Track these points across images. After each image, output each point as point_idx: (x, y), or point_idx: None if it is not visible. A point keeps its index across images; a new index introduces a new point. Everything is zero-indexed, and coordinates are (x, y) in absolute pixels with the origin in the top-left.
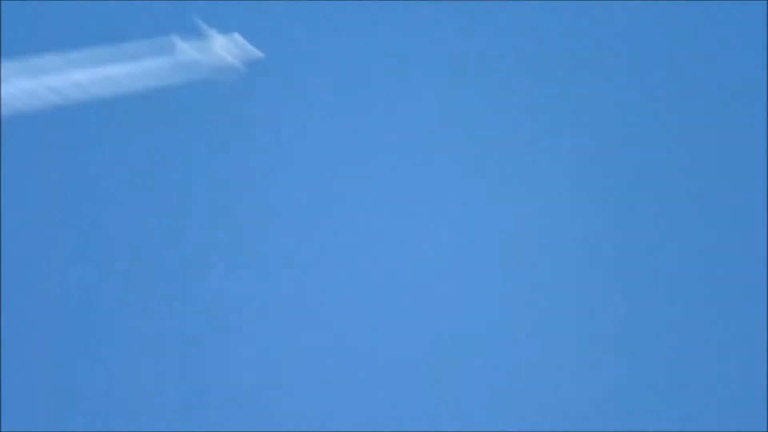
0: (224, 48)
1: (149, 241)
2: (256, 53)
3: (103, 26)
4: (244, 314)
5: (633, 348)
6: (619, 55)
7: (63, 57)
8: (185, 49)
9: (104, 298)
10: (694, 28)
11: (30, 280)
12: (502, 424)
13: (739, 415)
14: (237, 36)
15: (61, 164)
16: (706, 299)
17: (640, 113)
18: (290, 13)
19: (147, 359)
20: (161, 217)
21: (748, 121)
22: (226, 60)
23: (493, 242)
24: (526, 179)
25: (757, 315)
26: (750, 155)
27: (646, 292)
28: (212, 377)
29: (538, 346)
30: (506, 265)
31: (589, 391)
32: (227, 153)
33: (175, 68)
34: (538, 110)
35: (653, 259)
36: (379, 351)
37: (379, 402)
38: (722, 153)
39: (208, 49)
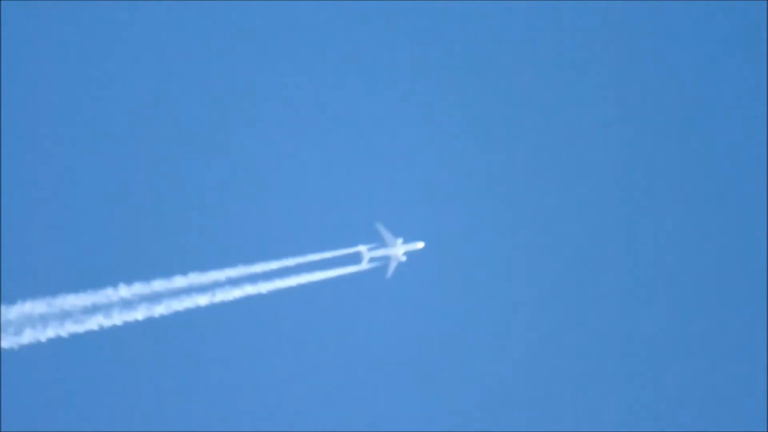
0: (401, 250)
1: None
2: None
3: (289, 237)
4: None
5: (633, 348)
6: (620, 57)
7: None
8: (371, 257)
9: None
10: (694, 29)
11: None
12: (500, 425)
13: (739, 415)
14: (418, 243)
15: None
16: (706, 300)
17: (640, 115)
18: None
19: (147, 360)
20: None
21: (748, 122)
22: (399, 259)
23: (493, 245)
24: (527, 181)
25: (757, 315)
26: (750, 157)
27: (646, 293)
28: (212, 379)
29: (538, 346)
30: (507, 269)
31: (588, 392)
32: None
33: (361, 274)
34: (535, 113)
35: (653, 261)
36: (376, 352)
37: (376, 402)
38: (722, 155)
39: (391, 254)
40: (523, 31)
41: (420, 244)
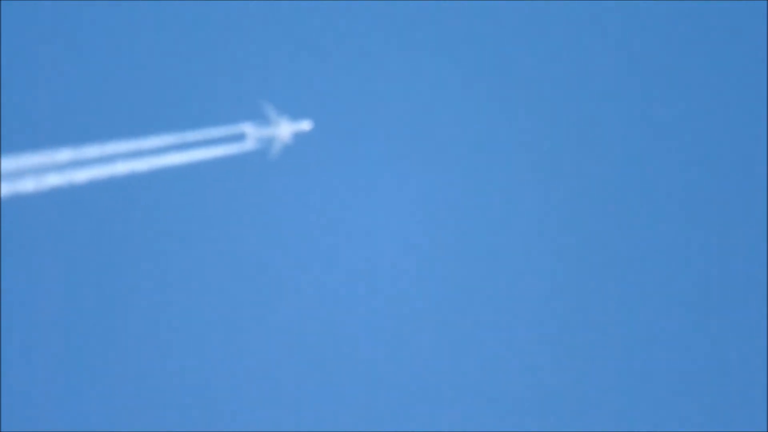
0: (287, 131)
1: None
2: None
3: (172, 114)
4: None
5: (633, 348)
6: (619, 56)
7: (130, 144)
8: (255, 136)
9: (104, 298)
10: (694, 29)
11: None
12: (495, 425)
13: (739, 415)
14: (305, 122)
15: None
16: (706, 300)
17: (640, 114)
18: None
19: (147, 360)
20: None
21: (748, 122)
22: (285, 141)
23: (489, 243)
24: (526, 180)
25: (757, 315)
26: (750, 156)
27: (646, 293)
28: (210, 378)
29: (538, 345)
30: (505, 268)
31: (589, 392)
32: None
33: (244, 154)
34: (535, 112)
35: (652, 261)
36: (367, 351)
37: (369, 401)
38: (722, 154)
39: (275, 134)
40: (520, 29)
41: (306, 125)
